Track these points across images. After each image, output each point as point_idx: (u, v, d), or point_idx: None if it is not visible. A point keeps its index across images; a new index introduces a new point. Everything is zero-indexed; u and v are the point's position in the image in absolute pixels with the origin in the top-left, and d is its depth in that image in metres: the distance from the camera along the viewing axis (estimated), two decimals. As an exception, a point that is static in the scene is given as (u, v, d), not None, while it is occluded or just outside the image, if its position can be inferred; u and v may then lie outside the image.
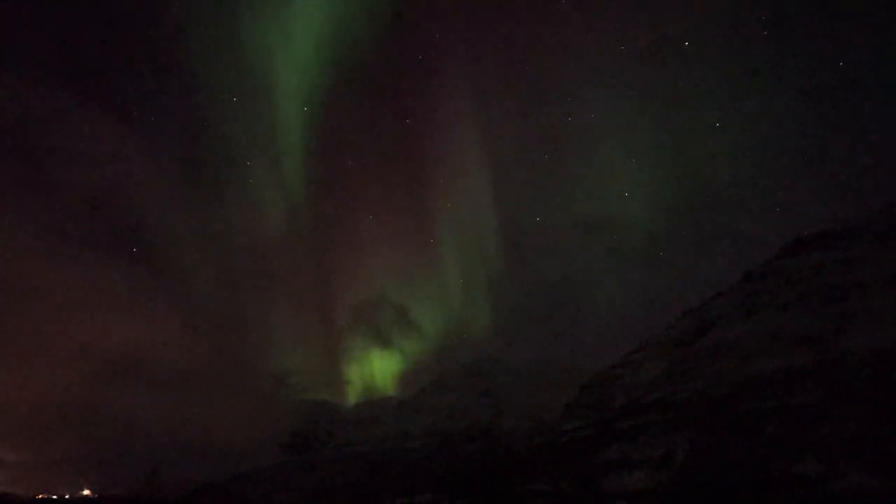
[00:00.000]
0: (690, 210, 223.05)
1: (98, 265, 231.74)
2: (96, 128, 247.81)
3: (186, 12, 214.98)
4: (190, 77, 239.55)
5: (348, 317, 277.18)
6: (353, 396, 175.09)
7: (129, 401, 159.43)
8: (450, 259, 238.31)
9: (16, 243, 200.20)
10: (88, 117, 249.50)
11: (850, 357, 45.86)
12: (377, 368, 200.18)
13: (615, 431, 50.25)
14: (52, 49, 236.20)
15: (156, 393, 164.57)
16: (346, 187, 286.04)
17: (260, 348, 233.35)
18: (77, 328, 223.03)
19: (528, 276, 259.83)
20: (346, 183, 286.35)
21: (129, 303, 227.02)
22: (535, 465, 53.78)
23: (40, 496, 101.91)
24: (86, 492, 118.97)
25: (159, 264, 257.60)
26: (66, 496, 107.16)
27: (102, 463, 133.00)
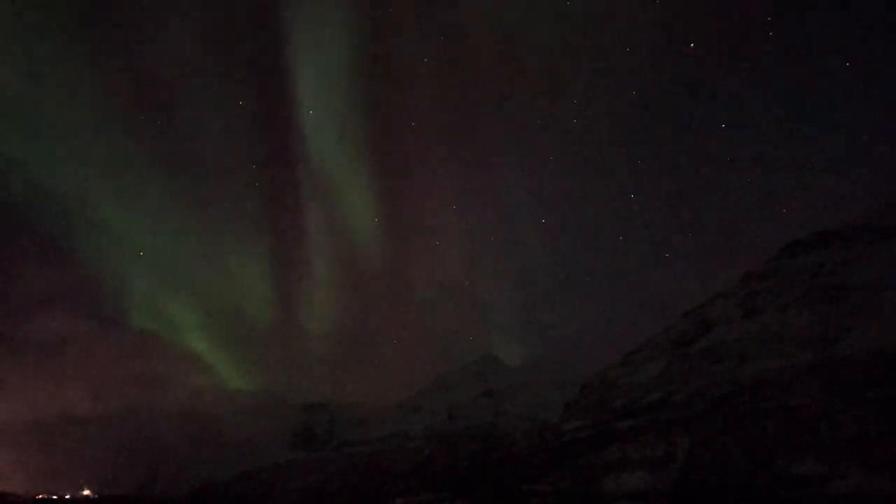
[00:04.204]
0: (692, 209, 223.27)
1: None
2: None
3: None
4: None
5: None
6: (353, 396, 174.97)
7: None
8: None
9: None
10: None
11: (850, 357, 45.80)
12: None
13: (615, 431, 50.24)
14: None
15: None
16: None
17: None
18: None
19: (528, 277, 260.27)
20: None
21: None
22: (535, 465, 53.81)
23: (40, 496, 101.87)
24: (86, 492, 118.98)
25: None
26: (67, 496, 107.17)
27: (102, 463, 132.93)
